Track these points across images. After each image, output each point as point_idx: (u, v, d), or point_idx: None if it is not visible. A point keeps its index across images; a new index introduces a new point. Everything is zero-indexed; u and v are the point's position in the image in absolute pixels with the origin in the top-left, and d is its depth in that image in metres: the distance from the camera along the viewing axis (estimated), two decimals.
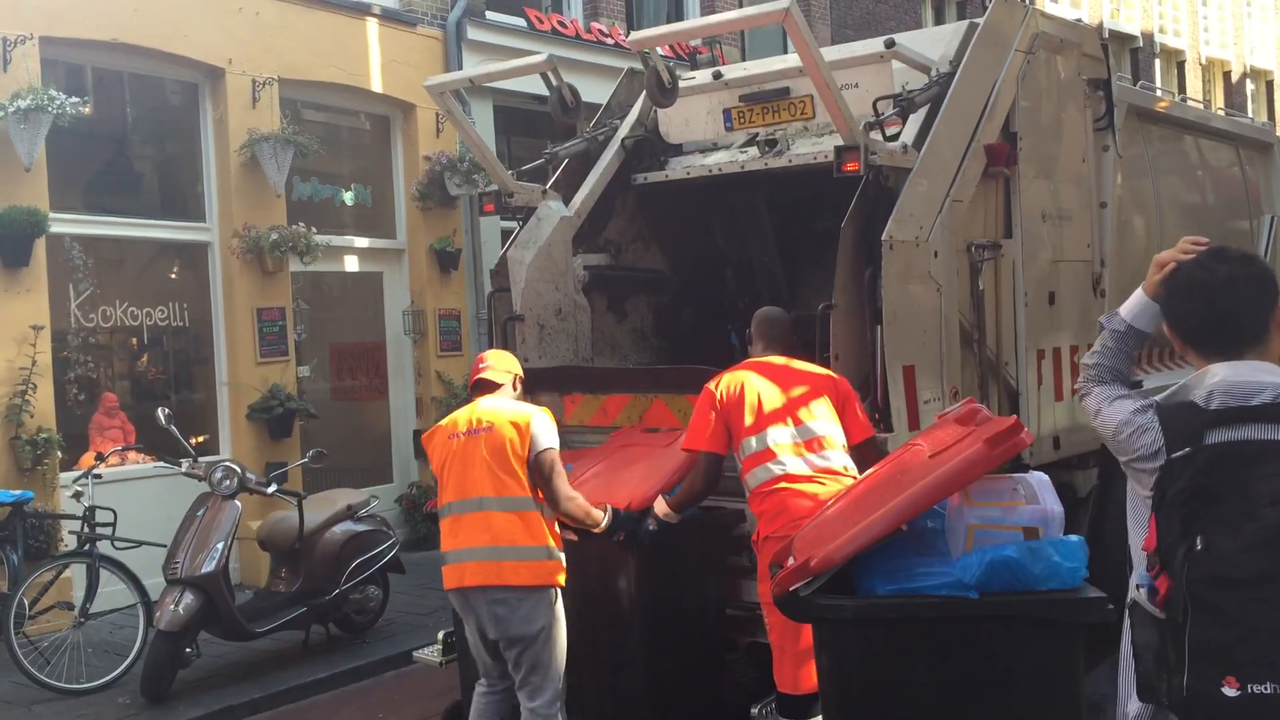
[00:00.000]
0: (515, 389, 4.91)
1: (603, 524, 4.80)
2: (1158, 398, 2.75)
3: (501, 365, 4.93)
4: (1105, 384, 2.88)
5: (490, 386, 4.85)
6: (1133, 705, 2.73)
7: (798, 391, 4.82)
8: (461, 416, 4.77)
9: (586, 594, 5.07)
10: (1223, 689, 2.36)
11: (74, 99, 7.89)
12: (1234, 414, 2.54)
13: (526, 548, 4.56)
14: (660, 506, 4.89)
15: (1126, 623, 2.79)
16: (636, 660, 4.97)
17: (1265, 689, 2.34)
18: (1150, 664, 2.57)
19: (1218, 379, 2.62)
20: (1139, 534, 2.69)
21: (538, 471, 4.62)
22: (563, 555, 4.70)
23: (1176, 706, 2.48)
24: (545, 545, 4.61)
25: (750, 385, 4.83)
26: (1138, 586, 2.66)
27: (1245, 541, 2.40)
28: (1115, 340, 2.93)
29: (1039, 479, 3.62)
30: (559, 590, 4.68)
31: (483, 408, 4.74)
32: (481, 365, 4.93)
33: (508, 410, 4.71)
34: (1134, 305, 2.92)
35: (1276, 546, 2.38)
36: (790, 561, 3.62)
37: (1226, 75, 22.42)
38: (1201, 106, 14.52)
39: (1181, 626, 2.43)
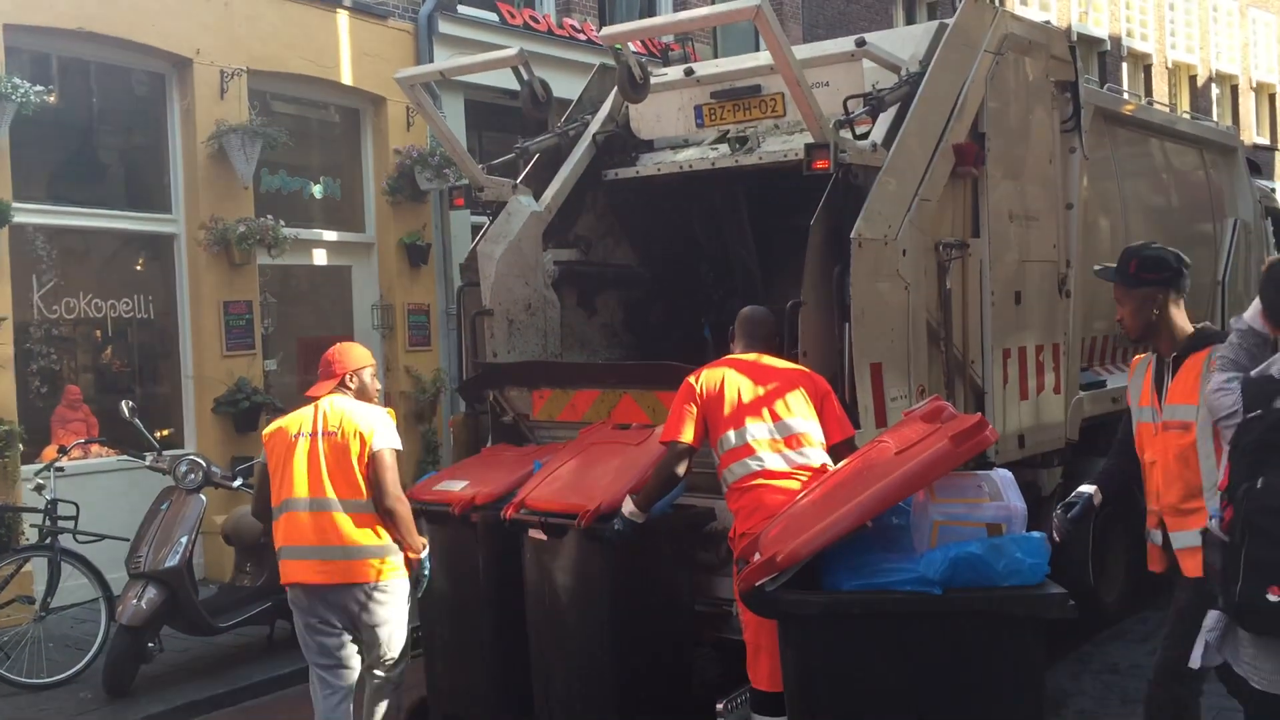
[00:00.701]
0: (351, 383, 4.99)
1: (418, 553, 4.88)
2: (1252, 373, 3.34)
3: (339, 365, 5.02)
4: (1224, 371, 3.47)
5: (331, 387, 4.97)
6: (1209, 617, 3.27)
7: (776, 388, 4.82)
8: (307, 417, 4.89)
9: (555, 592, 5.07)
10: (1267, 595, 3.00)
11: (38, 88, 7.80)
12: None
13: (368, 547, 4.77)
14: (626, 506, 4.86)
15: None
16: (605, 657, 4.95)
17: None
18: (1218, 578, 3.17)
19: None
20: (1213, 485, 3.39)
21: (372, 467, 4.76)
22: (397, 547, 4.86)
23: (1231, 610, 3.13)
24: (384, 543, 4.80)
25: (730, 381, 4.84)
26: (1211, 518, 3.30)
27: None
28: (1238, 337, 3.53)
29: (1003, 476, 3.65)
30: (403, 578, 4.90)
31: (328, 409, 4.88)
32: (322, 369, 5.06)
33: (353, 414, 4.84)
34: (1253, 308, 3.56)
35: None
36: (757, 557, 3.63)
37: (1192, 79, 22.66)
38: (1167, 110, 14.66)
39: (1239, 547, 3.05)
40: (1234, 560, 3.07)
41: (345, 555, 4.77)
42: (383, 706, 5.02)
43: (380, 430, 4.80)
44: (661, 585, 5.16)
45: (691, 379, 4.90)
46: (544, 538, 5.00)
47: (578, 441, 5.67)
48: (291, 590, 4.90)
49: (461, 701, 5.51)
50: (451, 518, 5.33)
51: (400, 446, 4.87)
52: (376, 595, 4.81)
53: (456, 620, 5.48)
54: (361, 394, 5.00)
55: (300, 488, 4.80)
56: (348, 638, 4.91)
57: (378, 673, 4.98)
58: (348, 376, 4.99)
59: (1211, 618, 3.24)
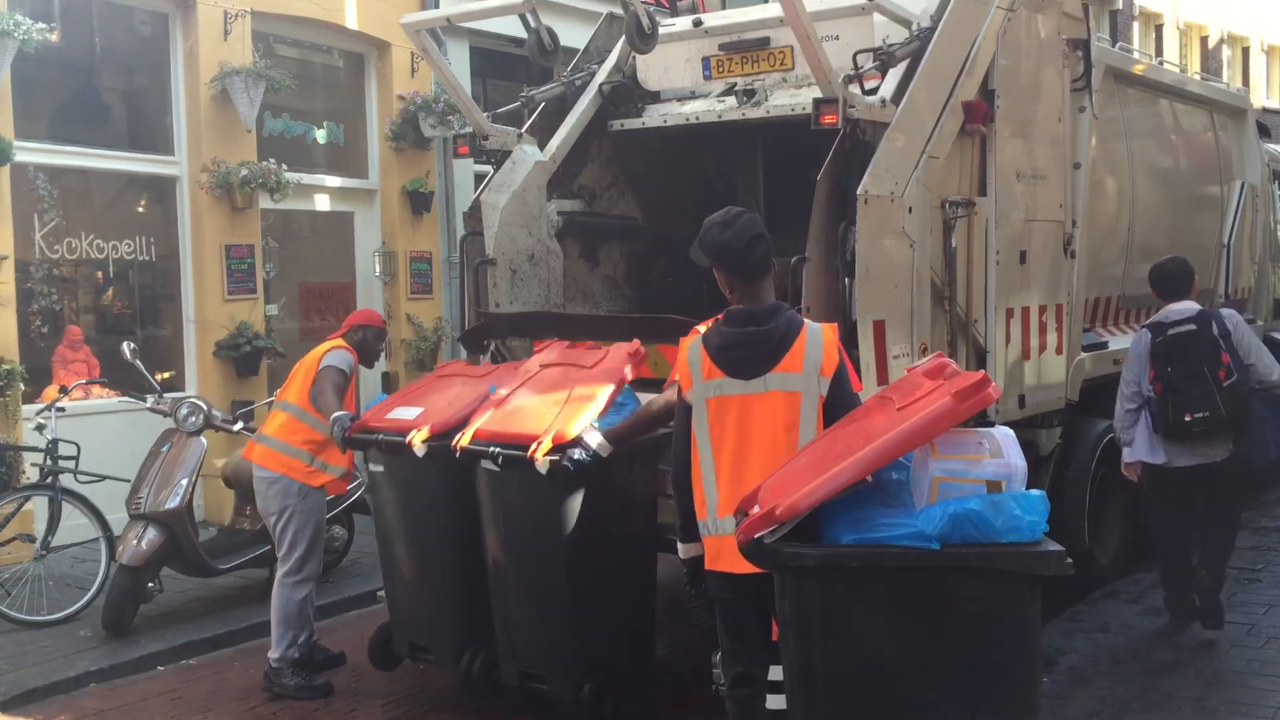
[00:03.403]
0: (354, 335, 5.98)
1: (331, 428, 5.48)
2: (1144, 324, 6.29)
3: (350, 318, 6.14)
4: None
5: (338, 333, 6.04)
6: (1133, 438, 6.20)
7: None
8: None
9: (510, 521, 5.03)
10: (1185, 418, 5.85)
11: (41, 25, 7.73)
12: (1178, 323, 6.02)
13: (288, 445, 5.76)
14: (594, 437, 4.77)
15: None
16: (561, 586, 4.90)
17: (1200, 414, 5.81)
18: (1158, 418, 5.94)
19: (1167, 309, 6.14)
20: (1145, 382, 6.08)
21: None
22: (328, 467, 5.77)
23: (1163, 430, 5.94)
24: (306, 450, 5.75)
25: None
26: (1147, 395, 6.03)
27: (1186, 365, 5.88)
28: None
29: (1004, 433, 3.64)
30: (309, 489, 5.76)
31: (320, 348, 5.93)
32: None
33: (325, 347, 5.88)
34: None
35: (1195, 366, 5.87)
36: (755, 509, 3.64)
37: (1204, 40, 22.45)
38: (1178, 71, 14.52)
39: (1167, 398, 5.91)
40: (1164, 404, 5.89)
41: (264, 442, 5.85)
42: (276, 601, 5.76)
43: (328, 358, 5.75)
44: (620, 515, 5.05)
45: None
46: (496, 468, 4.97)
47: (529, 362, 5.56)
48: None
49: (423, 631, 5.53)
50: (406, 448, 5.23)
51: (340, 367, 5.71)
52: (272, 485, 5.74)
53: (415, 550, 5.46)
54: (360, 347, 5.95)
55: (281, 393, 6.02)
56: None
57: (276, 568, 5.81)
58: (352, 329, 6.00)
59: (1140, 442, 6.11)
